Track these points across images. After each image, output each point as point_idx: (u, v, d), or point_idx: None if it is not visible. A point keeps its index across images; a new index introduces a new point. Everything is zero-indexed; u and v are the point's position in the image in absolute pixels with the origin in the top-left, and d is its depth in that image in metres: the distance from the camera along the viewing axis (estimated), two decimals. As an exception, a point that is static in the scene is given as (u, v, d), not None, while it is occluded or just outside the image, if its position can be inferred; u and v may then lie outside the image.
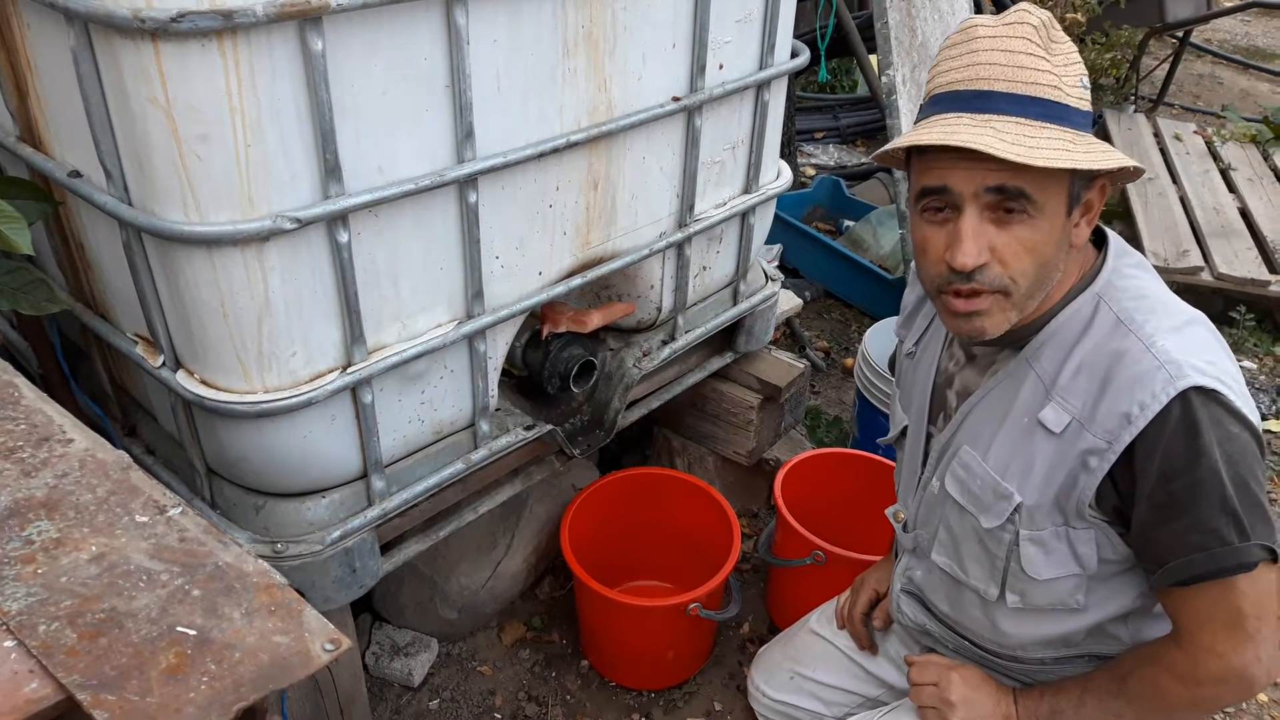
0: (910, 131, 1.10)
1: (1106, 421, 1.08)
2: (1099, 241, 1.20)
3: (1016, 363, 1.18)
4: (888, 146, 1.17)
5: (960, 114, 1.06)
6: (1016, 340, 1.19)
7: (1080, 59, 1.09)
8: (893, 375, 1.74)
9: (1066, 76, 1.06)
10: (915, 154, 1.13)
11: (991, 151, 0.99)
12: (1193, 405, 1.04)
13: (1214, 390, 1.04)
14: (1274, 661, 1.10)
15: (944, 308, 1.15)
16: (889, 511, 1.46)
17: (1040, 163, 1.00)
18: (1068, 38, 1.09)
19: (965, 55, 1.07)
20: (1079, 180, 1.08)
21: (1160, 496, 1.06)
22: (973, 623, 1.33)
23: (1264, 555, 1.06)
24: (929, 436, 1.34)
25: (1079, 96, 1.07)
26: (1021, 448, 1.17)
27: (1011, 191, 1.04)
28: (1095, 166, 1.03)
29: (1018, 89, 1.04)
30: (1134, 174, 1.10)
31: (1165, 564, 1.09)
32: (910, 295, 1.44)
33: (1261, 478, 1.08)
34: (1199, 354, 1.07)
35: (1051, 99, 1.04)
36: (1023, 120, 1.03)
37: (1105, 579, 1.19)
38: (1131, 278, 1.15)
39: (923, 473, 1.35)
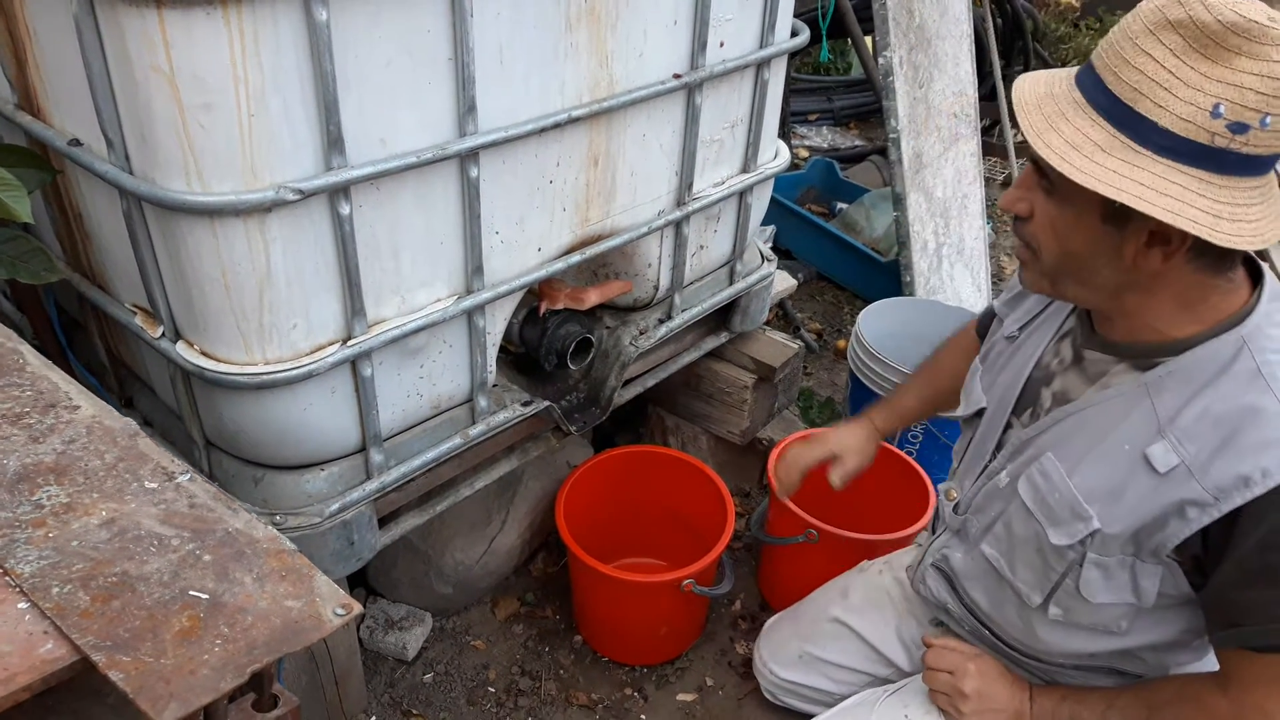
0: (1032, 80, 1.08)
1: (1220, 478, 1.03)
2: (1255, 277, 1.10)
3: (1135, 386, 1.11)
4: (1017, 110, 1.07)
5: (1071, 82, 1.03)
6: (1140, 359, 1.13)
7: (1263, 87, 0.91)
8: (879, 357, 1.74)
9: (1184, 88, 0.93)
10: None
11: (1021, 122, 1.02)
12: None
13: None
14: None
15: None
16: (941, 487, 1.44)
17: (1037, 147, 1.00)
18: (1271, 55, 0.91)
19: (1122, 31, 0.98)
20: (1115, 204, 0.98)
21: (1254, 563, 1.03)
22: (1004, 620, 1.32)
23: None
24: (1008, 426, 1.30)
25: (1178, 113, 0.93)
26: (1115, 476, 1.11)
27: (1043, 167, 1.04)
28: (1063, 171, 0.97)
29: (1105, 74, 0.98)
30: (1184, 238, 0.98)
31: (1239, 625, 1.07)
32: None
33: None
34: None
35: (1122, 97, 0.96)
36: (1086, 106, 1.00)
37: (1154, 611, 1.17)
38: None
39: (991, 461, 1.31)
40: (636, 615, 1.98)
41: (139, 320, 1.40)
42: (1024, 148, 3.84)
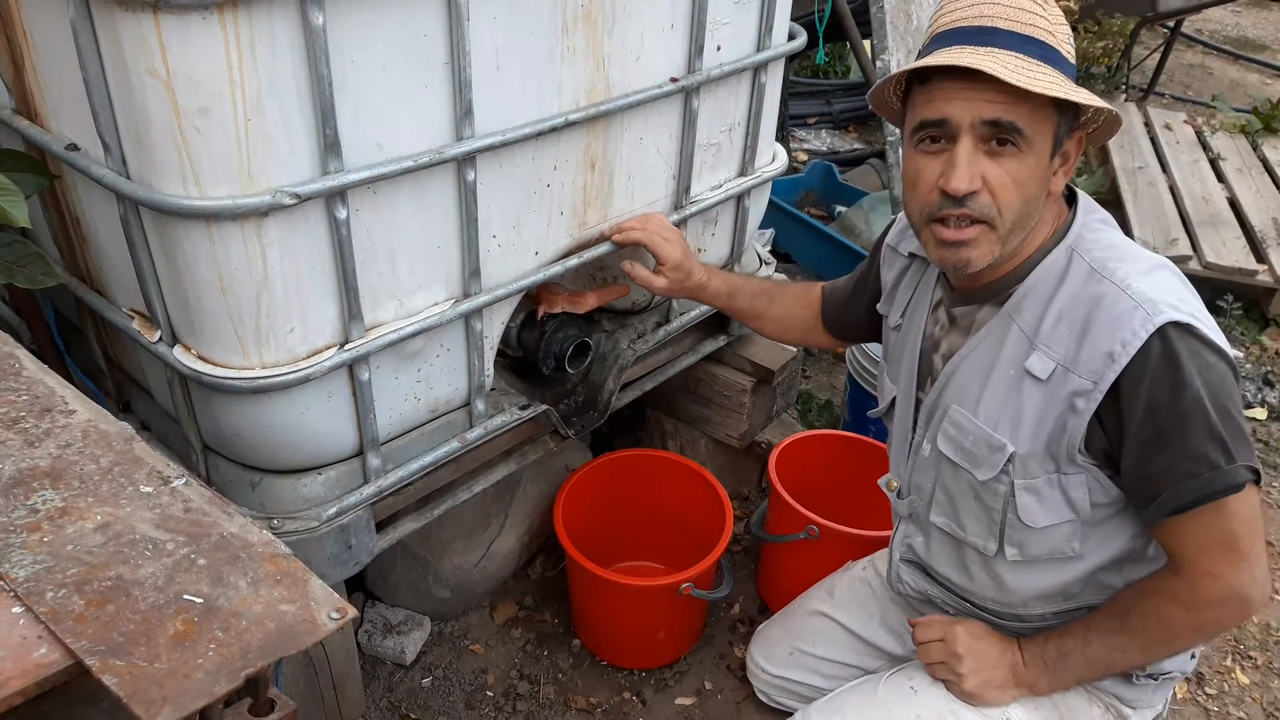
0: (914, 60, 1.15)
1: (1091, 362, 1.13)
2: (1069, 200, 1.26)
3: (998, 318, 1.23)
4: (896, 72, 1.19)
5: (964, 46, 1.11)
6: (996, 296, 1.24)
7: (1066, 23, 1.16)
8: (878, 360, 1.75)
9: (1059, 30, 1.13)
10: (916, 86, 1.17)
11: (994, 73, 1.05)
12: (1171, 339, 1.09)
13: (1189, 324, 1.10)
14: (1266, 580, 1.16)
15: (932, 238, 1.20)
16: (882, 481, 1.49)
17: (1038, 89, 1.06)
18: (1055, 3, 1.16)
19: None
20: (1064, 124, 1.14)
21: (1147, 432, 1.11)
22: (975, 583, 1.36)
23: (1250, 476, 1.11)
24: (918, 403, 1.38)
25: (1068, 50, 1.14)
26: (1010, 399, 1.21)
27: (1005, 125, 1.10)
28: (1086, 101, 1.10)
29: (1018, 28, 1.10)
30: (1113, 124, 1.18)
31: (1158, 496, 1.13)
32: (889, 274, 1.47)
33: (1239, 404, 1.13)
34: (1170, 293, 1.13)
35: (1048, 42, 1.11)
36: (1021, 56, 1.09)
37: (1098, 524, 1.23)
38: (1100, 231, 1.22)
39: (914, 438, 1.38)
40: (635, 619, 1.98)
41: (136, 325, 1.40)
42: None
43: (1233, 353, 1.14)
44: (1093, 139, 1.22)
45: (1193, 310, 1.12)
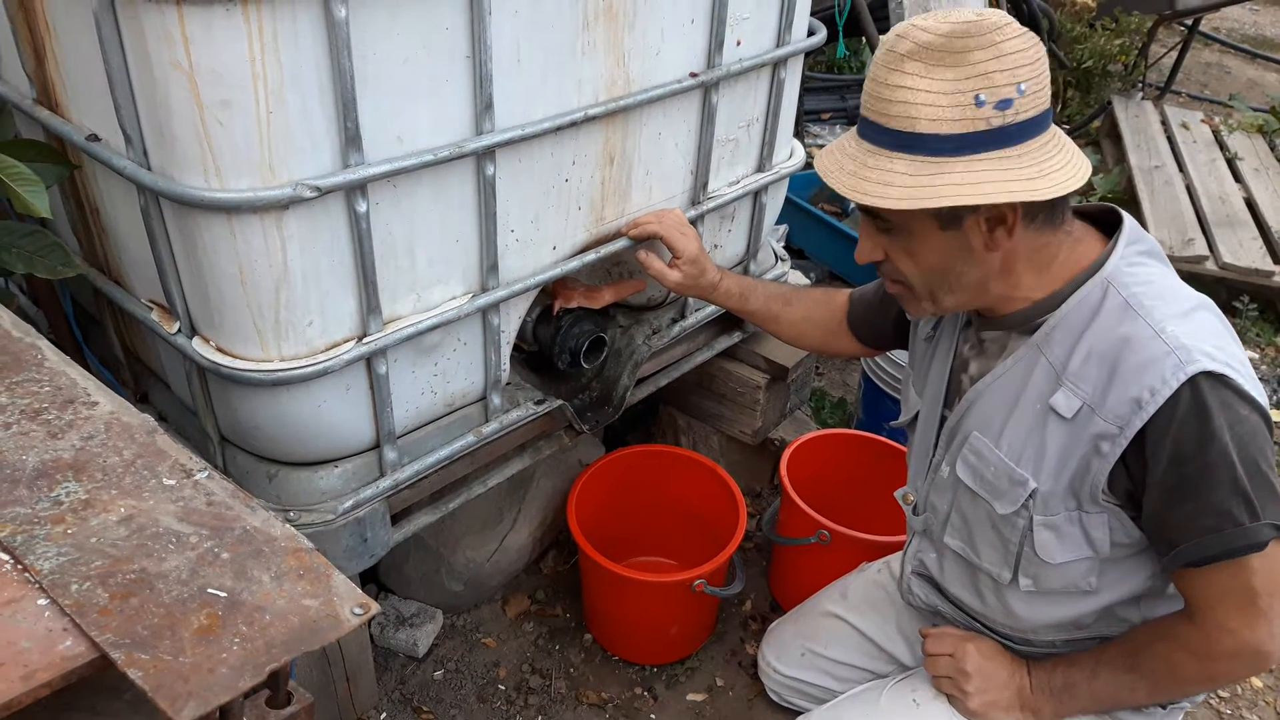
0: (827, 150, 1.19)
1: (1117, 407, 1.09)
2: (1114, 226, 1.20)
3: (1026, 348, 1.20)
4: (820, 172, 1.20)
5: (860, 139, 1.14)
6: (1024, 324, 1.21)
7: (1002, 65, 1.04)
8: (891, 357, 1.74)
9: (944, 96, 1.04)
10: None
11: (843, 194, 1.11)
12: (1202, 390, 1.05)
13: (1222, 375, 1.06)
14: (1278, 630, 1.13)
15: None
16: (898, 494, 1.47)
17: (857, 199, 1.10)
18: (994, 39, 1.04)
19: (875, 69, 1.11)
20: (949, 209, 1.09)
21: (1172, 480, 1.08)
22: (985, 606, 1.35)
23: (1274, 534, 1.08)
24: (943, 420, 1.35)
25: (950, 118, 1.05)
26: (1034, 434, 1.18)
27: (871, 212, 1.14)
28: (890, 206, 1.08)
29: (885, 121, 1.09)
30: (1069, 180, 1.09)
31: (1178, 546, 1.11)
32: None
33: (1271, 458, 1.09)
34: (1207, 339, 1.08)
35: (900, 129, 1.07)
36: (877, 150, 1.10)
37: (1117, 561, 1.21)
38: (1140, 264, 1.17)
39: (934, 456, 1.36)
40: (647, 615, 1.97)
41: (155, 316, 1.40)
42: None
43: (1268, 407, 1.10)
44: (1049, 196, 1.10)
45: (1229, 358, 1.08)
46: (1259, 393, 1.09)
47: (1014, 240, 1.13)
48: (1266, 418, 1.10)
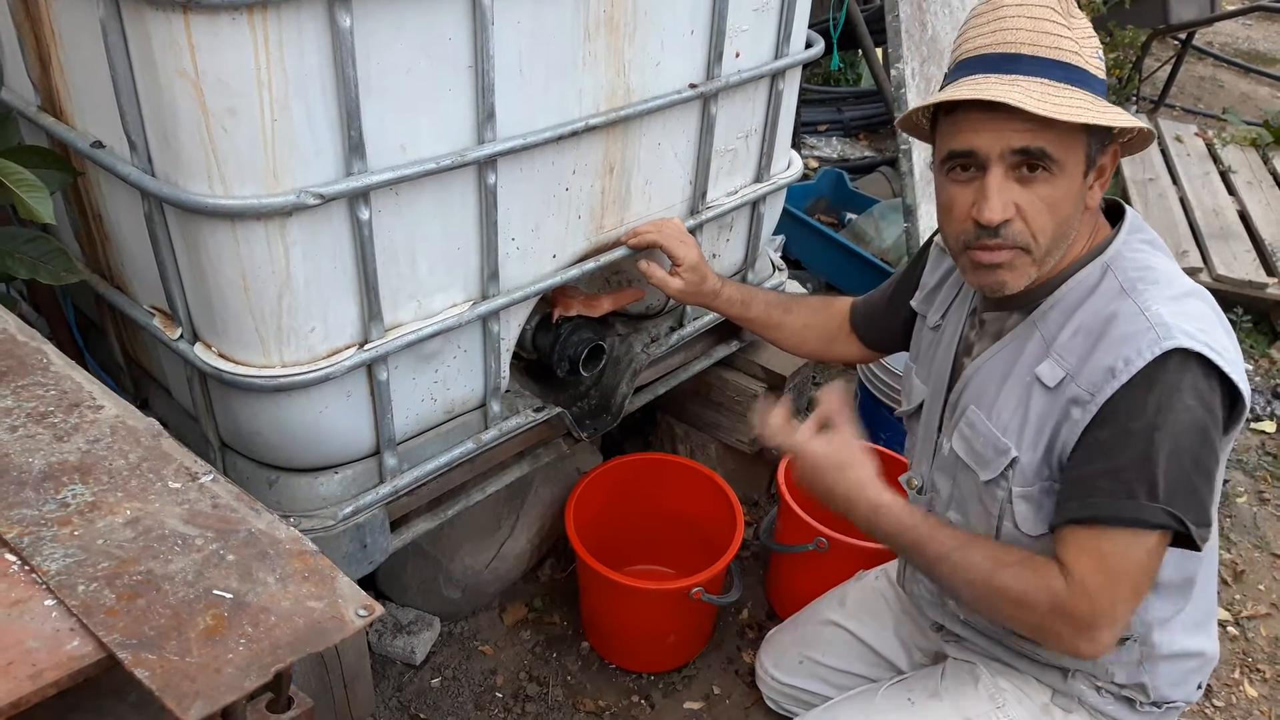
0: (940, 91, 1.14)
1: (1093, 374, 1.12)
2: (1117, 215, 1.24)
3: (1024, 325, 1.23)
4: (919, 104, 1.19)
5: (988, 75, 1.10)
6: (1026, 304, 1.23)
7: (1095, 34, 1.15)
8: (888, 367, 1.74)
9: (1085, 46, 1.12)
10: (943, 116, 1.17)
11: (1020, 105, 1.04)
12: (1168, 366, 1.07)
13: (1199, 354, 1.07)
14: (1119, 630, 1.13)
15: (968, 263, 1.20)
16: (903, 479, 1.47)
17: (1065, 117, 1.05)
18: (1083, 15, 1.15)
19: (992, 22, 1.13)
20: (1095, 142, 1.13)
21: (1094, 438, 1.11)
22: None
23: (1168, 523, 1.07)
24: (945, 402, 1.37)
25: (1096, 65, 1.13)
26: (1021, 404, 1.21)
27: (1035, 152, 1.09)
28: (1114, 123, 1.09)
29: (1042, 52, 1.09)
30: (1145, 139, 1.18)
31: (1069, 502, 1.12)
32: (933, 273, 1.46)
33: (1204, 458, 1.08)
34: (1191, 322, 1.10)
35: (1074, 64, 1.10)
36: (1047, 81, 1.09)
37: None
38: (1141, 251, 1.20)
39: (938, 437, 1.38)
40: (644, 622, 1.98)
41: (157, 321, 1.41)
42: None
43: (1247, 389, 1.10)
44: (1127, 150, 1.20)
45: (1210, 340, 1.08)
46: (1240, 378, 1.09)
47: (1093, 199, 1.18)
48: (1239, 400, 1.09)
